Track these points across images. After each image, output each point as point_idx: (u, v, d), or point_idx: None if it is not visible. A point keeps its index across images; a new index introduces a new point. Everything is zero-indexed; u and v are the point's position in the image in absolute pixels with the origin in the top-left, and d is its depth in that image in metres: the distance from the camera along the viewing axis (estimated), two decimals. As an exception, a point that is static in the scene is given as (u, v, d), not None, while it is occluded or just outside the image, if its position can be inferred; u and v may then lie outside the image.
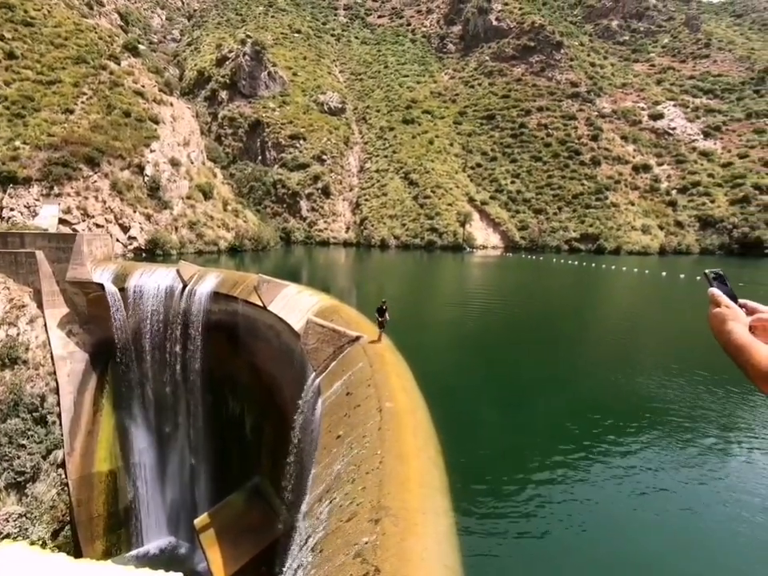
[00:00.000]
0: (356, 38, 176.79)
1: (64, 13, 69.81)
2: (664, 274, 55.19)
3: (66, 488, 20.30)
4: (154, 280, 20.37)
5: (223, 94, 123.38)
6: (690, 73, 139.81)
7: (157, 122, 57.41)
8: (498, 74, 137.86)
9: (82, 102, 53.27)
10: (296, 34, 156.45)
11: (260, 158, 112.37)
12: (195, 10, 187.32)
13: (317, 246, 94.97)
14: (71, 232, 36.43)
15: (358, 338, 10.39)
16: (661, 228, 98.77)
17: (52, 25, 63.67)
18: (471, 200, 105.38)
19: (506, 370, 21.20)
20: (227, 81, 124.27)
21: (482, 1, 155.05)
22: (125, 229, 45.17)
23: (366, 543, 3.94)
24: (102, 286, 21.29)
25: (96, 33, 68.82)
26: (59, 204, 41.50)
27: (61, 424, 20.80)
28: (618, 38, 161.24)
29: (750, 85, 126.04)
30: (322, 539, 4.49)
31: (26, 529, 18.25)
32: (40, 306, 22.34)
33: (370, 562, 3.69)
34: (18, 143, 43.63)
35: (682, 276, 52.14)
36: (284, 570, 5.08)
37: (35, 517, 18.77)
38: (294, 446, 10.01)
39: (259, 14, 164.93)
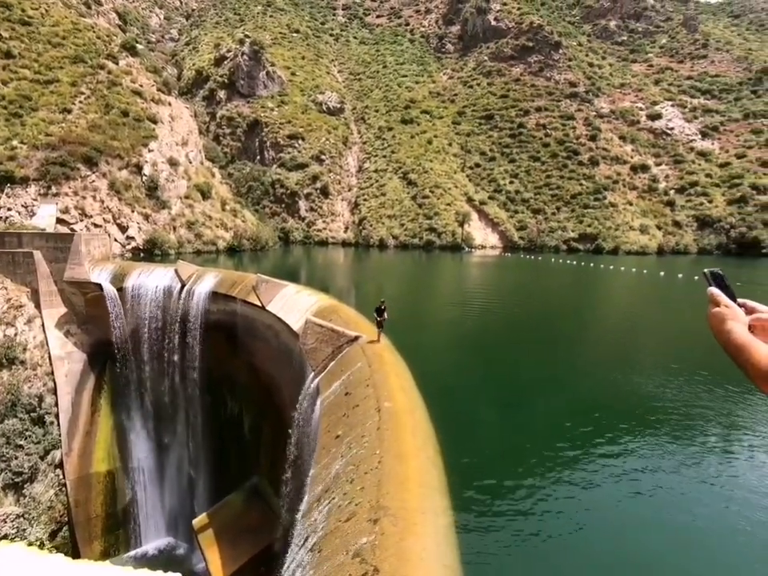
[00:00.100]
0: (354, 37, 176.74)
1: (62, 12, 69.61)
2: (662, 273, 55.31)
3: (63, 488, 20.25)
4: (152, 280, 20.32)
5: (221, 94, 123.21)
6: (688, 73, 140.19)
7: (155, 122, 57.31)
8: (497, 73, 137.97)
9: (80, 102, 53.14)
10: (294, 34, 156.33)
11: (258, 157, 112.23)
12: (193, 10, 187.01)
13: (315, 245, 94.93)
14: (69, 232, 36.40)
15: (356, 338, 10.38)
16: (659, 228, 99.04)
17: (50, 24, 63.49)
18: (470, 200, 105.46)
19: (505, 370, 21.21)
20: (225, 80, 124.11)
21: (481, 1, 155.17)
22: (123, 229, 45.08)
23: (365, 543, 3.93)
24: (99, 285, 21.24)
25: (94, 32, 68.67)
26: (57, 204, 41.39)
27: (59, 424, 20.75)
28: (616, 39, 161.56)
29: (747, 85, 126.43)
30: (321, 539, 4.48)
31: (24, 529, 18.20)
32: (38, 306, 22.28)
33: (368, 561, 3.68)
34: (15, 143, 43.51)
35: (680, 276, 52.27)
36: (283, 570, 5.07)
37: (33, 517, 18.72)
38: (293, 446, 10.00)
39: (257, 13, 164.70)
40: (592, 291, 46.99)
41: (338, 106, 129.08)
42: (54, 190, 41.99)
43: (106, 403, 22.20)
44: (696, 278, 46.56)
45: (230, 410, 19.75)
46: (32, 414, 20.14)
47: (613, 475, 11.99)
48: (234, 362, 18.70)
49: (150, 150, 52.75)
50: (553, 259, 75.98)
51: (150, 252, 44.76)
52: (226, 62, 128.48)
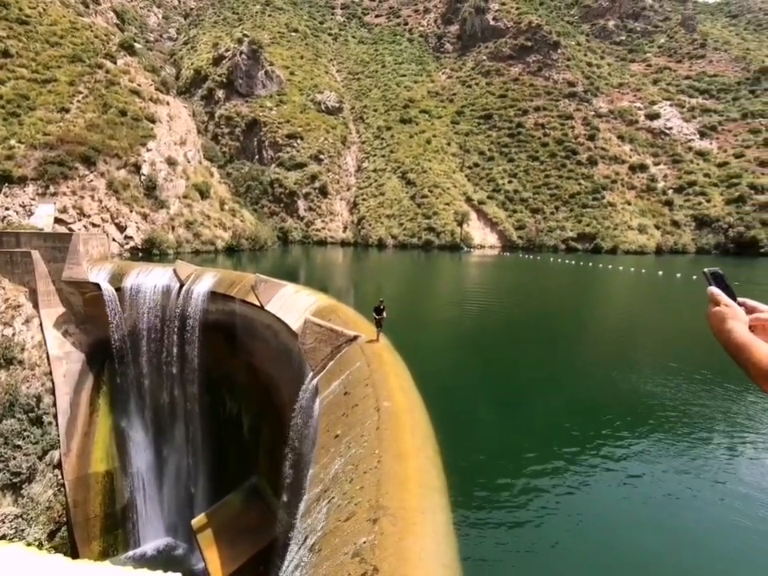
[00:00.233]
0: (353, 37, 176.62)
1: (59, 11, 69.34)
2: (660, 273, 55.43)
3: (62, 489, 20.20)
4: (150, 280, 20.27)
5: (220, 93, 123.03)
6: (686, 73, 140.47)
7: (153, 121, 57.16)
8: (495, 73, 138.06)
9: (78, 101, 52.96)
10: (293, 33, 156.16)
11: (257, 157, 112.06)
12: (192, 9, 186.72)
13: (314, 245, 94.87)
14: (67, 231, 36.28)
15: (355, 338, 10.38)
16: (657, 227, 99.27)
17: (47, 23, 63.24)
18: (468, 199, 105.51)
19: (504, 370, 21.22)
20: (224, 80, 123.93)
21: (479, 0, 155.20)
22: (121, 228, 44.96)
23: (365, 543, 3.93)
24: (98, 285, 21.18)
25: (92, 31, 68.42)
26: (55, 203, 41.25)
27: (57, 424, 20.70)
28: (615, 38, 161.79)
29: (745, 85, 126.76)
30: (321, 539, 4.48)
31: (23, 530, 18.17)
32: (36, 305, 22.21)
33: (368, 561, 3.68)
34: (13, 142, 43.35)
35: (678, 275, 52.40)
36: (282, 569, 5.06)
37: (31, 518, 18.68)
38: (292, 446, 9.99)
39: (256, 12, 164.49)
40: (591, 291, 47.06)
41: (337, 105, 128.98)
42: (51, 189, 41.85)
43: (104, 403, 22.15)
44: (694, 277, 46.68)
45: (228, 409, 19.73)
46: (30, 415, 20.08)
47: (612, 475, 12.01)
48: (232, 361, 18.67)
49: (148, 150, 52.60)
50: (551, 259, 76.08)
51: (149, 252, 44.65)
52: (224, 62, 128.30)
